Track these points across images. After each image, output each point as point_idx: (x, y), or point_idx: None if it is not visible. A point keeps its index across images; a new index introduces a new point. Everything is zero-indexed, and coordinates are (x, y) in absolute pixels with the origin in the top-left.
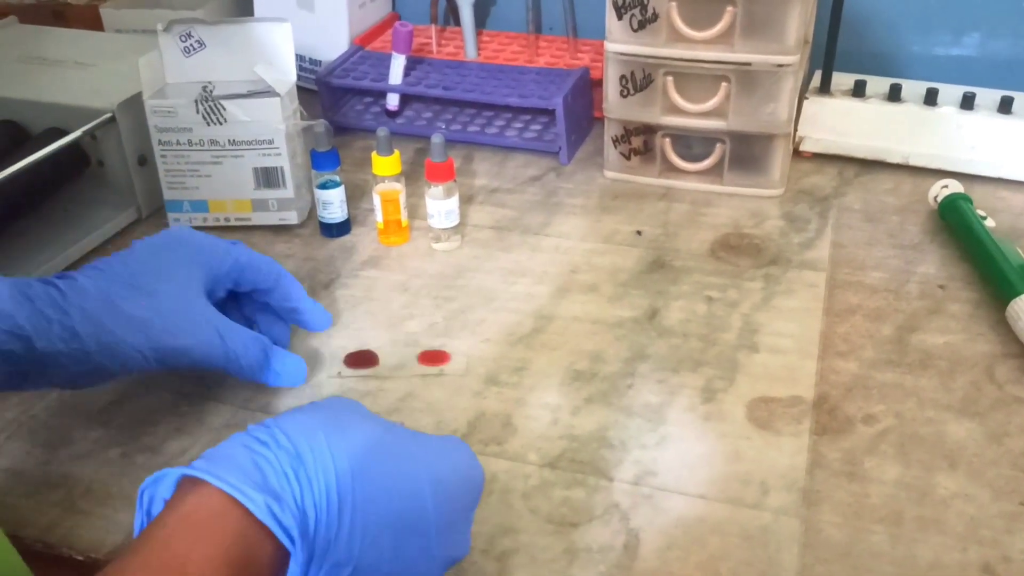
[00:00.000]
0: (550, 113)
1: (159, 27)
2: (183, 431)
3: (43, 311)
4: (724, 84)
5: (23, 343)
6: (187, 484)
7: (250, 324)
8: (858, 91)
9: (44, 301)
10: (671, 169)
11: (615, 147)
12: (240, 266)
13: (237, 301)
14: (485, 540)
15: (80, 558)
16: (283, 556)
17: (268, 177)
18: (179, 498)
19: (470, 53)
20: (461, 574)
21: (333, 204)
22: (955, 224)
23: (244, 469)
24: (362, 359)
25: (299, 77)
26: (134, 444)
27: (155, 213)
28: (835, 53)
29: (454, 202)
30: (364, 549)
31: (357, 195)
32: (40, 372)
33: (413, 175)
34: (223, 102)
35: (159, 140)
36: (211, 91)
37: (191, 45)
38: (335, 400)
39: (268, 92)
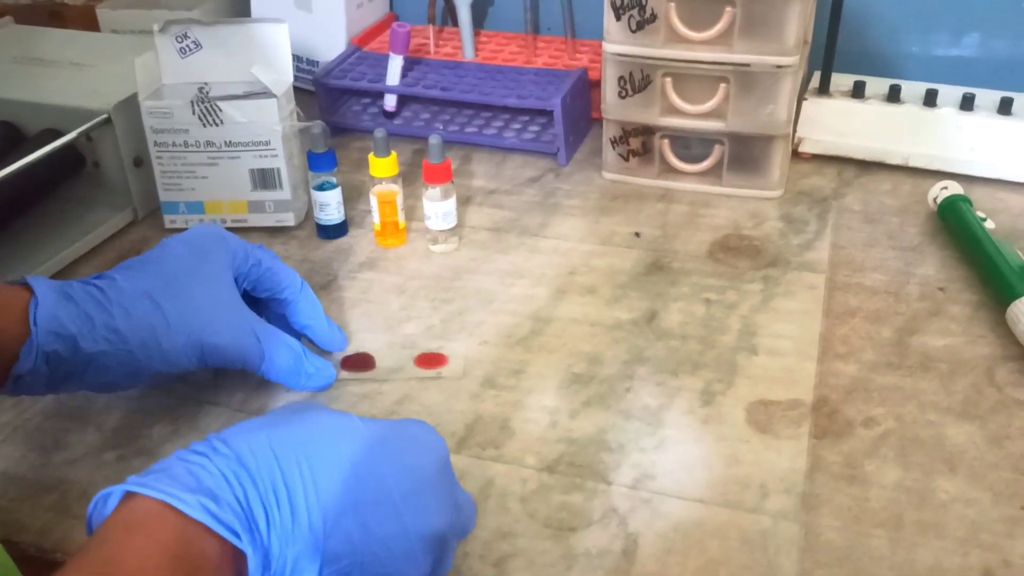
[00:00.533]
0: (548, 114)
1: (155, 28)
2: (178, 434)
3: (86, 311)
4: (723, 85)
5: (68, 344)
6: (127, 499)
7: None
8: (857, 92)
9: (86, 301)
10: (670, 170)
11: (613, 148)
12: (260, 270)
13: (255, 305)
14: (482, 545)
15: None
16: (236, 554)
17: (265, 178)
18: (117, 511)
19: (468, 54)
20: None
21: (330, 206)
22: (955, 226)
23: (177, 477)
24: (359, 362)
25: (297, 78)
26: (129, 447)
27: (151, 214)
28: (834, 54)
29: (451, 204)
30: (330, 535)
31: (355, 196)
32: (82, 373)
33: (411, 176)
34: (219, 103)
35: (155, 141)
36: (207, 92)
37: (187, 46)
38: (288, 406)
39: (265, 93)
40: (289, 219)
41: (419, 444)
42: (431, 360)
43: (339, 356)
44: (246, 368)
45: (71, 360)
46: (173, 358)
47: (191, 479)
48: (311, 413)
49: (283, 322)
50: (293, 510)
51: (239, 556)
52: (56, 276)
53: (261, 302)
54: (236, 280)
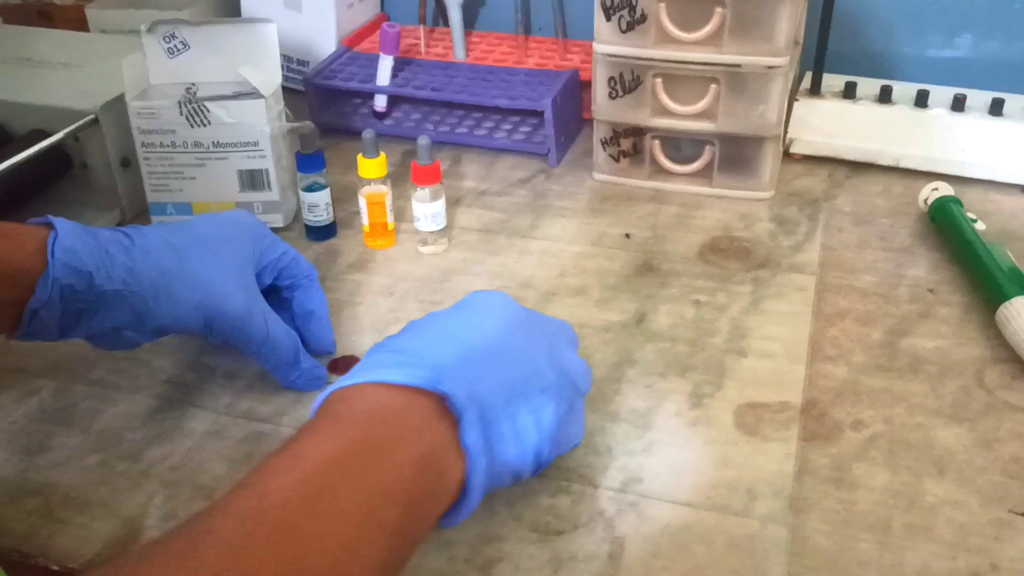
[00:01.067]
0: (539, 115)
1: (142, 28)
2: (163, 437)
3: (107, 249)
4: (713, 86)
5: (83, 279)
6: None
7: None
8: (849, 93)
9: (109, 241)
10: (660, 171)
11: (604, 149)
12: (288, 259)
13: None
14: (468, 549)
15: (56, 568)
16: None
17: (253, 179)
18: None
19: (459, 54)
20: None
21: (319, 207)
22: (945, 227)
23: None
24: (347, 365)
25: (287, 78)
26: (113, 451)
27: (139, 216)
28: (826, 54)
29: (440, 205)
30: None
31: (344, 197)
32: (93, 313)
33: (401, 177)
34: (207, 104)
35: (142, 142)
36: (195, 93)
37: (175, 46)
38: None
39: (253, 94)
40: (278, 220)
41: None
42: (344, 365)
43: (328, 359)
44: (247, 348)
45: (85, 297)
46: (181, 314)
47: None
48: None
49: (286, 316)
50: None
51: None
52: None
53: (269, 294)
54: (265, 269)
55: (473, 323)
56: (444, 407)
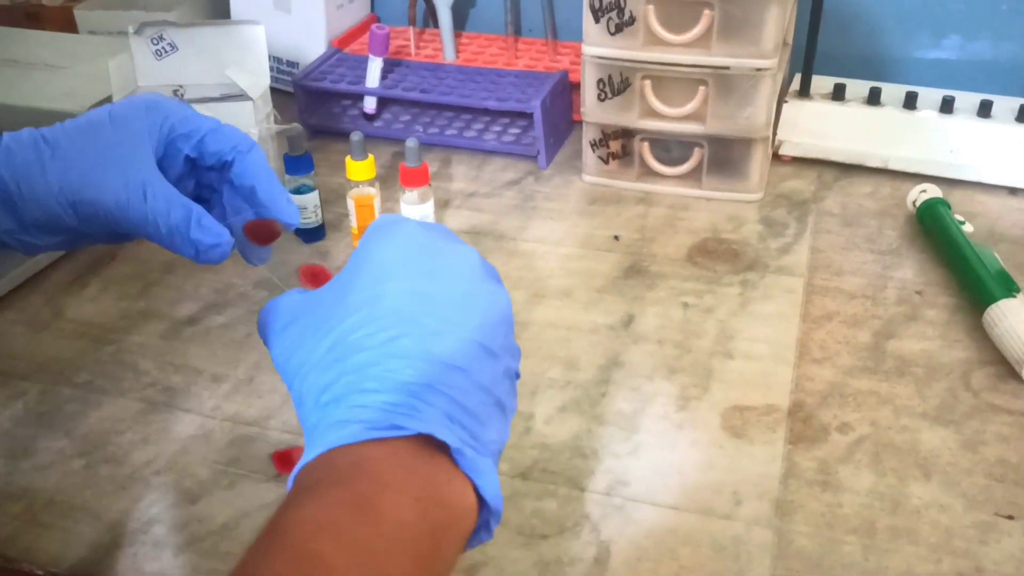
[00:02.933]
0: (529, 116)
1: (130, 29)
2: (148, 441)
3: None
4: (702, 88)
5: None
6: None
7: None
8: (837, 94)
9: None
10: (649, 173)
11: (593, 151)
12: (204, 130)
13: (201, 180)
14: None
15: (40, 573)
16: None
17: None
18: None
19: (449, 55)
20: None
21: (307, 209)
22: (933, 229)
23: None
24: (263, 229)
25: (276, 79)
26: (98, 454)
27: None
28: (814, 56)
29: (429, 207)
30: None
31: (334, 199)
32: None
33: (390, 179)
34: (194, 105)
35: None
36: (182, 94)
37: (162, 48)
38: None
39: (240, 96)
40: None
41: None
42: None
43: (242, 223)
44: (131, 229)
45: None
46: (48, 208)
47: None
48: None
49: (239, 203)
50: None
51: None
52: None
53: (210, 176)
54: (172, 145)
55: (416, 321)
56: (427, 436)
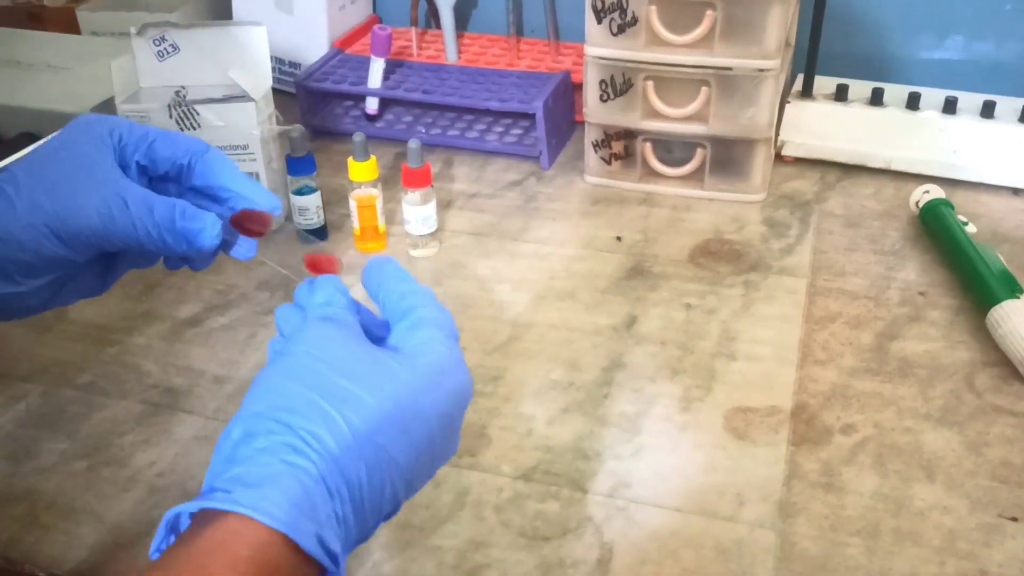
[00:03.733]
0: (531, 117)
1: (132, 31)
2: (150, 443)
3: None
4: (704, 88)
5: None
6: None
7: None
8: (840, 95)
9: None
10: (652, 174)
11: (595, 152)
12: (151, 137)
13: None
14: (456, 555)
15: (42, 574)
16: (322, 571)
17: None
18: (215, 523)
19: (451, 56)
20: None
21: (309, 210)
22: (936, 230)
23: (289, 495)
24: (249, 222)
25: (278, 80)
26: (100, 456)
27: None
28: (817, 57)
29: (431, 208)
30: (389, 505)
31: (335, 200)
32: None
33: (392, 180)
34: (197, 107)
35: None
36: (185, 96)
37: (165, 49)
38: (311, 343)
39: (243, 97)
40: None
41: (462, 396)
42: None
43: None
44: (122, 241)
45: None
46: (31, 244)
47: (302, 496)
48: (371, 379)
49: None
50: (373, 504)
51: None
52: None
53: (168, 188)
54: (125, 154)
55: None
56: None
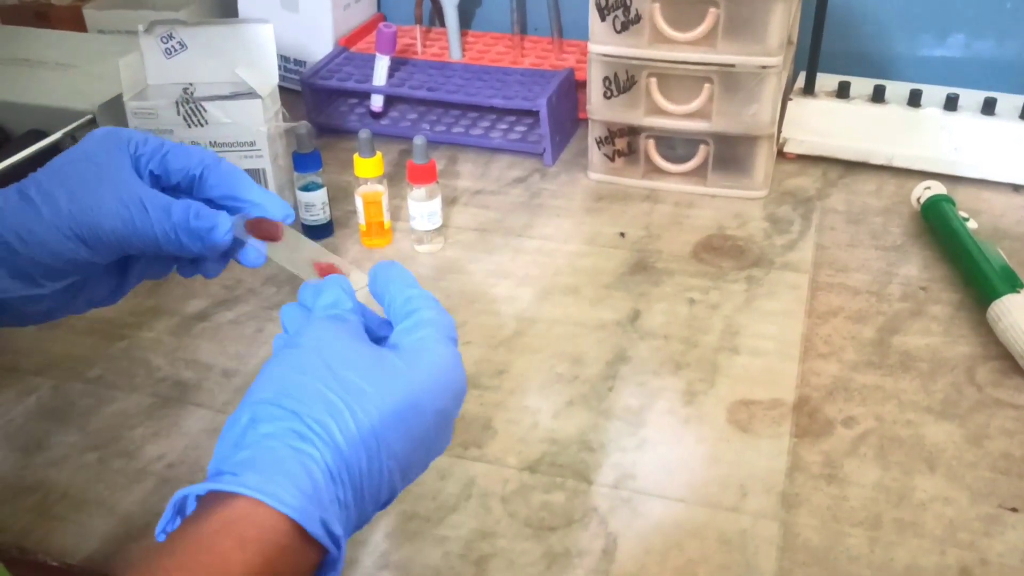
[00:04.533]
0: (535, 114)
1: (140, 28)
2: (160, 435)
3: None
4: (707, 85)
5: None
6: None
7: None
8: (842, 92)
9: None
10: (655, 170)
11: (599, 148)
12: (165, 148)
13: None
14: (463, 545)
15: (55, 564)
16: (324, 554)
17: None
18: (223, 505)
19: (455, 54)
20: None
21: (315, 206)
22: (937, 225)
23: (295, 479)
24: (264, 228)
25: (283, 78)
26: (111, 448)
27: None
28: (819, 54)
29: (436, 204)
30: (387, 493)
31: (341, 196)
32: None
33: (397, 177)
34: (204, 104)
35: None
36: (192, 93)
37: (172, 46)
38: (318, 338)
39: (250, 94)
40: None
41: (458, 394)
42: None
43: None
44: (136, 244)
45: None
46: (55, 246)
47: (308, 482)
48: (374, 373)
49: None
50: (372, 491)
51: (326, 554)
52: None
53: (179, 196)
54: (139, 164)
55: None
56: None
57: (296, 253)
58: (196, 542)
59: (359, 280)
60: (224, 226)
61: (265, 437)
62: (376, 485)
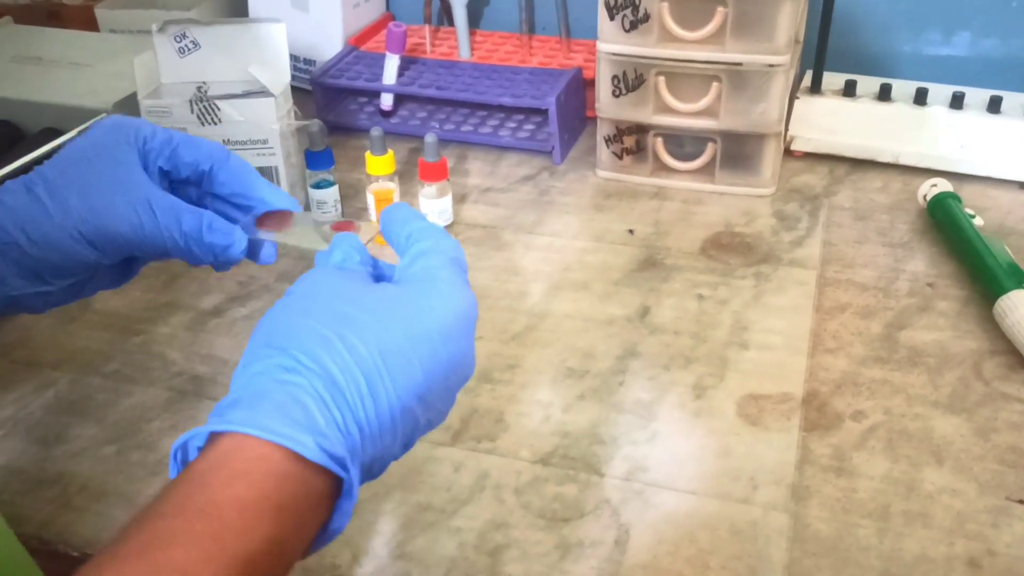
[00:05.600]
0: (543, 113)
1: (154, 28)
2: (177, 428)
3: None
4: (715, 84)
5: None
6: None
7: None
8: (849, 91)
9: None
10: (663, 168)
11: (607, 146)
12: (175, 142)
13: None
14: (477, 535)
15: (75, 554)
16: (336, 480)
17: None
18: (214, 445)
19: (464, 53)
20: (453, 570)
21: (327, 203)
22: (944, 222)
23: (285, 409)
24: (275, 220)
25: (294, 77)
26: (129, 441)
27: None
28: (826, 53)
29: (447, 201)
30: (405, 424)
31: (352, 194)
32: None
33: (407, 174)
34: (217, 102)
35: None
36: (206, 91)
37: (186, 45)
38: (314, 282)
39: (262, 92)
40: None
41: (467, 315)
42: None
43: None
44: (144, 247)
45: None
46: (63, 247)
47: (299, 409)
48: (367, 301)
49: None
50: (380, 421)
51: (339, 480)
52: None
53: (188, 191)
54: (154, 161)
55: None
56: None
57: (307, 231)
58: (188, 483)
59: (372, 229)
60: (241, 244)
61: (254, 376)
62: (386, 413)
